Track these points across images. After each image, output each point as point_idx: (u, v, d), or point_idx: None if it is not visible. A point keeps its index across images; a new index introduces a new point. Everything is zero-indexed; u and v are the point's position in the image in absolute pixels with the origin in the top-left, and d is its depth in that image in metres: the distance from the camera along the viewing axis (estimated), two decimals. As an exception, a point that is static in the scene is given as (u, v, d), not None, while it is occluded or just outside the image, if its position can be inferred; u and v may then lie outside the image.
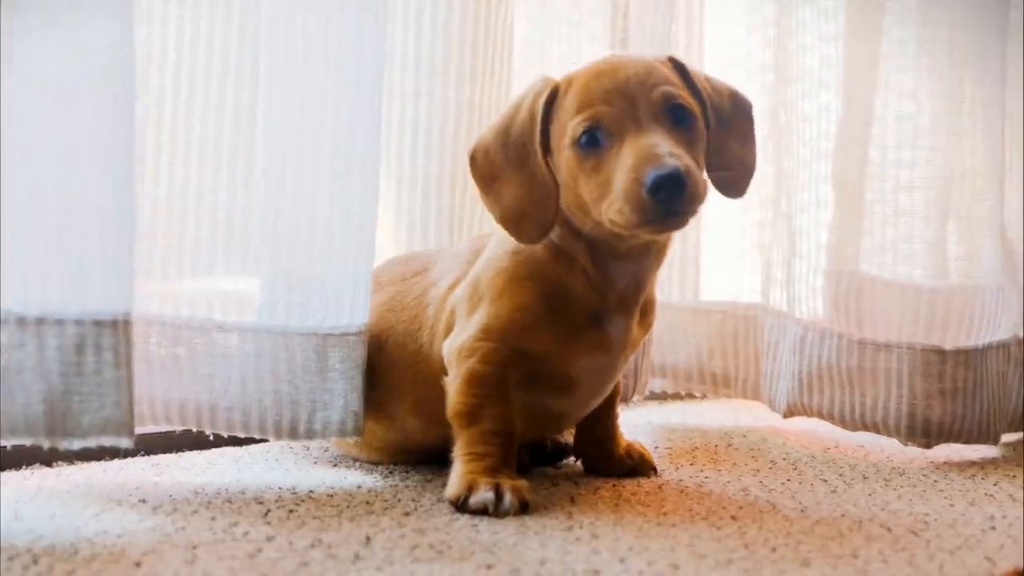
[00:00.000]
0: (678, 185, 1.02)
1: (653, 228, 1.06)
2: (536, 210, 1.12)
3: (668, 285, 1.61)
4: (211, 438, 1.30)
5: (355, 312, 1.20)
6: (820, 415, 1.49)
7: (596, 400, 1.22)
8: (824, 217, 1.51)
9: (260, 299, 1.19)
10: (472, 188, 1.44)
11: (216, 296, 1.20)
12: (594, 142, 1.08)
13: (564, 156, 1.10)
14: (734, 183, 1.18)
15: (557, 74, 1.14)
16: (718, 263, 1.69)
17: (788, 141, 1.53)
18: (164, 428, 1.25)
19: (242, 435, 1.21)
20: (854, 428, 1.47)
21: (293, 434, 1.20)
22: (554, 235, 1.14)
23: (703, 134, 1.12)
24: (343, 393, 1.19)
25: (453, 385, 1.15)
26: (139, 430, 1.28)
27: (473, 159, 1.16)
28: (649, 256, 1.16)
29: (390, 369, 1.22)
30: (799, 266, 1.52)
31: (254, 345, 1.18)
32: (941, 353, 1.44)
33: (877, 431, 1.46)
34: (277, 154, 1.18)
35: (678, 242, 1.62)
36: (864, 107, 1.49)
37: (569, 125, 1.09)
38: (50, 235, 1.02)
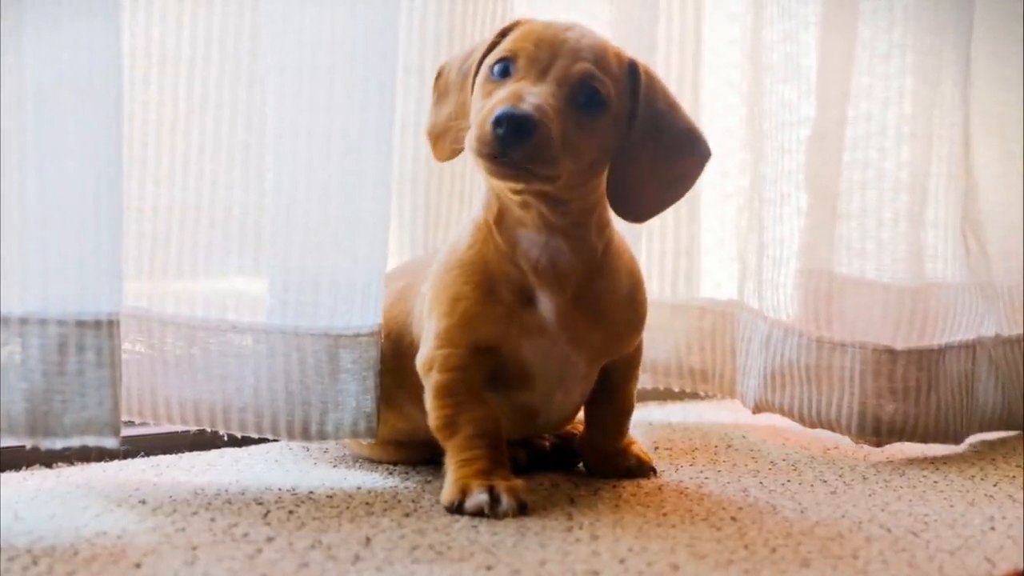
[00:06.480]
0: (520, 127, 1.02)
1: (488, 165, 1.06)
2: (454, 128, 1.15)
3: (647, 282, 1.60)
4: (212, 439, 1.31)
5: (367, 312, 1.20)
6: (783, 412, 1.50)
7: (564, 396, 1.20)
8: (795, 214, 1.51)
9: (270, 299, 1.20)
10: (450, 187, 1.45)
11: (230, 296, 1.21)
12: (504, 73, 1.10)
13: (479, 78, 1.13)
14: (625, 203, 1.14)
15: None
16: (700, 261, 1.69)
17: (766, 145, 1.53)
18: (178, 428, 1.25)
19: (255, 435, 1.21)
20: (812, 425, 1.48)
21: (306, 435, 1.20)
22: (483, 207, 1.16)
23: (608, 132, 1.11)
24: (355, 394, 1.20)
25: (427, 400, 1.15)
26: (143, 430, 1.31)
27: (438, 75, 1.21)
28: (554, 232, 1.14)
29: (394, 358, 1.22)
30: (769, 264, 1.52)
31: (267, 345, 1.19)
32: (892, 353, 1.44)
33: (831, 429, 1.47)
34: (287, 152, 1.18)
35: (657, 240, 1.62)
36: (838, 109, 1.50)
37: (494, 52, 1.12)
38: (33, 236, 1.01)
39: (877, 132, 1.49)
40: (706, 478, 1.28)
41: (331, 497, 1.15)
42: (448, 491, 1.11)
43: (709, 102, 1.64)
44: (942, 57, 1.49)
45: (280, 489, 1.17)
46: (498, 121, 1.02)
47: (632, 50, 1.23)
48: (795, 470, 1.34)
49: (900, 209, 1.49)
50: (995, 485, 1.29)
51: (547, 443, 1.33)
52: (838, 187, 1.50)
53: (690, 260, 1.65)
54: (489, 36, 1.16)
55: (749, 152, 1.58)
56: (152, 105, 1.20)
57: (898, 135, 1.49)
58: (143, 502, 1.10)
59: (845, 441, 1.51)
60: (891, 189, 1.49)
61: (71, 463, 1.24)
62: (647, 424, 1.59)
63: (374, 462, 1.31)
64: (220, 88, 1.20)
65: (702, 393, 1.69)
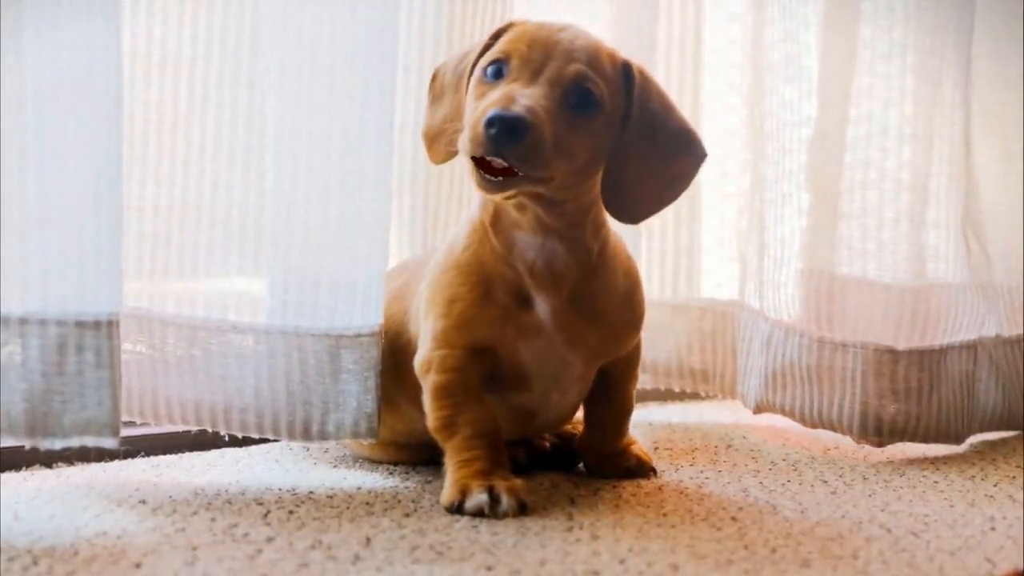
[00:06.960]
0: (512, 129, 1.02)
1: (477, 179, 1.05)
2: (450, 130, 1.14)
3: (648, 282, 1.60)
4: (212, 439, 1.31)
5: (367, 313, 1.20)
6: (783, 412, 1.51)
7: (561, 396, 1.20)
8: (796, 214, 1.51)
9: (270, 300, 1.20)
10: (449, 188, 1.45)
11: (231, 296, 1.21)
12: (497, 74, 1.10)
13: (472, 79, 1.12)
14: (620, 204, 1.14)
15: None
16: (700, 261, 1.70)
17: (767, 145, 1.53)
18: (179, 428, 1.25)
19: (256, 436, 1.22)
20: (813, 426, 1.49)
21: (307, 435, 1.20)
22: (479, 208, 1.16)
23: (602, 133, 1.11)
24: (356, 395, 1.20)
25: (425, 401, 1.16)
26: (143, 430, 1.31)
27: (434, 77, 1.20)
28: (550, 234, 1.13)
29: (392, 355, 1.22)
30: (770, 264, 1.52)
31: (267, 346, 1.19)
32: (893, 353, 1.45)
33: (833, 429, 1.47)
34: (287, 152, 1.18)
35: (658, 240, 1.62)
36: (839, 109, 1.50)
37: (488, 54, 1.12)
38: (33, 236, 1.01)
39: (878, 132, 1.50)
40: (706, 478, 1.28)
41: (331, 497, 1.15)
42: (448, 491, 1.11)
43: (710, 102, 1.64)
44: (943, 57, 1.50)
45: (280, 489, 1.17)
46: (490, 122, 1.02)
47: (632, 50, 1.23)
48: (795, 470, 1.34)
49: (901, 209, 1.50)
50: (995, 485, 1.29)
51: (547, 443, 1.33)
52: (839, 187, 1.50)
53: (691, 260, 1.65)
54: (485, 37, 1.16)
55: (750, 152, 1.58)
56: (152, 105, 1.20)
57: (899, 135, 1.49)
58: (143, 502, 1.10)
59: (846, 441, 1.51)
60: (892, 189, 1.50)
61: (71, 463, 1.24)
62: (647, 424, 1.59)
63: (374, 462, 1.31)
64: (220, 88, 1.20)
65: (703, 393, 1.69)
